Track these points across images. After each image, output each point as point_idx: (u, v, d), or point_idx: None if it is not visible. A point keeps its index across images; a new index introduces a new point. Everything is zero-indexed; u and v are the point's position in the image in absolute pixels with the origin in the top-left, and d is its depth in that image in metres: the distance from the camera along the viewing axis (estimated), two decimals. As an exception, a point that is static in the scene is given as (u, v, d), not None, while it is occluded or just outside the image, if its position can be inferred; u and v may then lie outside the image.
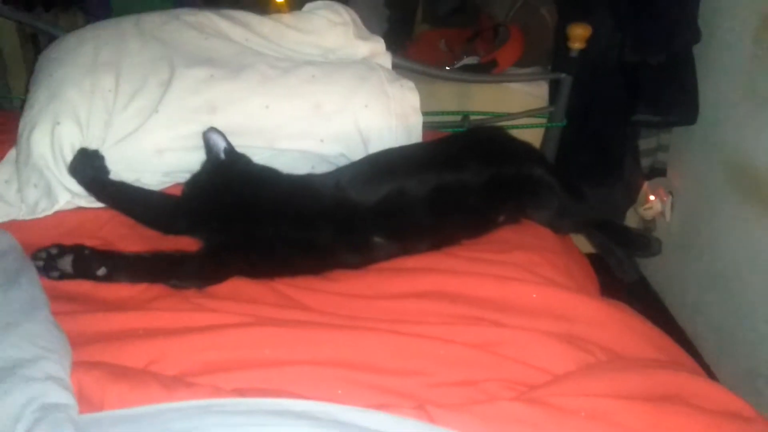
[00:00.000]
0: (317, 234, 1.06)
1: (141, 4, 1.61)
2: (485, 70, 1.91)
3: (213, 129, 1.17)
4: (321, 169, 1.27)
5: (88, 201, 1.17)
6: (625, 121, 1.74)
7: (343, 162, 1.29)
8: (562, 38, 1.60)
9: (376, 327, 0.90)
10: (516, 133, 1.37)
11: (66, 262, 0.96)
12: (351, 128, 1.29)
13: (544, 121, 1.73)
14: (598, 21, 1.58)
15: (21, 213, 1.16)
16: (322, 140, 1.28)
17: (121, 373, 0.76)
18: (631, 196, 1.92)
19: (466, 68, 1.95)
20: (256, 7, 1.52)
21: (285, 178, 1.16)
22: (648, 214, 1.93)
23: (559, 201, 1.22)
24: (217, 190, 1.12)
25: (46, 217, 1.15)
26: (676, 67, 1.67)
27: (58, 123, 1.18)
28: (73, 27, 1.60)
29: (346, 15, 1.44)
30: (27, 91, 1.32)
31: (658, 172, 1.89)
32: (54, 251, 0.97)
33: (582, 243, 1.34)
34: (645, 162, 1.88)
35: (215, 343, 0.85)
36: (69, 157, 1.17)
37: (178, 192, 1.19)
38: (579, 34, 1.54)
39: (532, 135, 1.62)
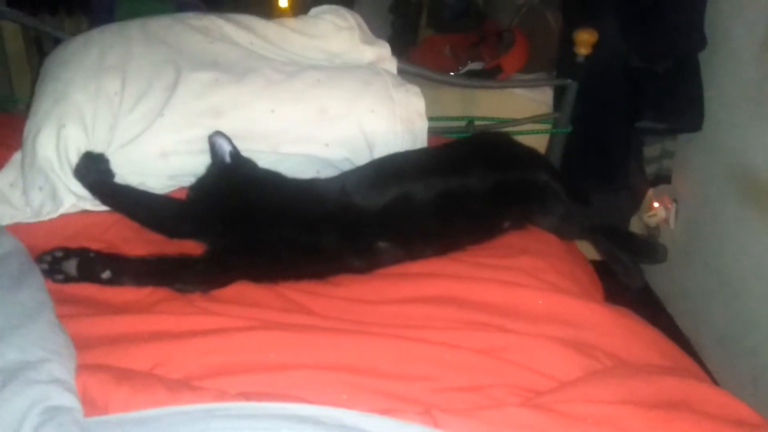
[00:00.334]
0: (322, 238, 1.06)
1: (144, 8, 1.61)
2: (490, 75, 1.91)
3: (218, 133, 1.17)
4: (326, 173, 1.27)
5: (93, 204, 1.17)
6: (630, 128, 1.74)
7: (348, 166, 1.28)
8: (567, 44, 1.60)
9: (381, 332, 0.90)
10: (521, 139, 1.37)
11: (71, 265, 0.96)
12: (356, 133, 1.29)
13: (548, 127, 1.73)
14: (603, 27, 1.58)
15: (26, 216, 1.16)
16: (327, 145, 1.28)
17: (125, 376, 0.75)
18: (636, 203, 1.92)
19: (471, 74, 1.95)
20: (261, 11, 1.53)
21: (290, 183, 1.16)
22: (652, 221, 1.92)
23: (565, 207, 1.22)
24: (222, 194, 1.12)
25: (51, 220, 1.15)
26: (681, 74, 1.67)
27: (64, 126, 1.18)
28: (77, 31, 1.60)
29: (351, 19, 1.45)
30: (32, 94, 1.33)
31: (662, 179, 1.88)
32: (59, 254, 0.97)
33: (586, 249, 1.33)
34: (650, 169, 1.88)
35: (220, 347, 0.85)
36: (74, 160, 1.17)
37: (182, 196, 1.19)
38: (585, 40, 1.54)
39: (536, 141, 1.62)
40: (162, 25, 1.36)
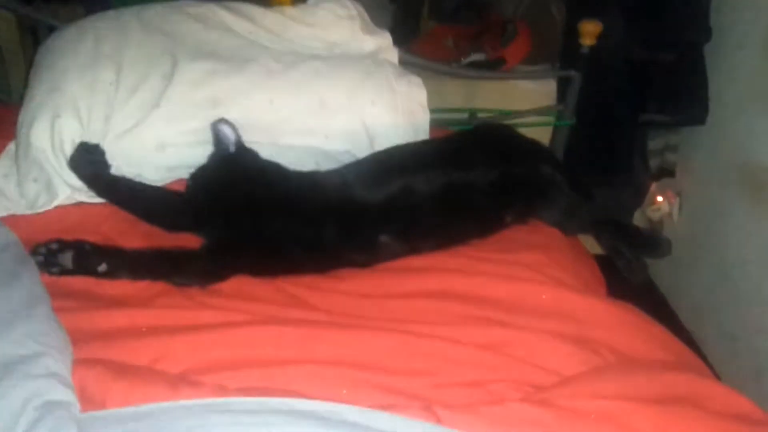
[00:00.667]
0: (323, 231, 1.04)
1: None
2: (493, 67, 1.89)
3: (224, 120, 1.15)
4: (326, 165, 1.25)
5: (88, 196, 1.15)
6: (633, 121, 1.73)
7: (348, 159, 1.27)
8: (571, 35, 1.58)
9: (383, 327, 0.90)
10: (524, 131, 1.35)
11: (66, 257, 0.95)
12: (357, 124, 1.28)
13: (552, 119, 1.72)
14: (608, 18, 1.57)
15: (20, 207, 1.15)
16: (327, 136, 1.27)
17: (123, 370, 0.75)
18: (639, 197, 1.91)
19: (474, 65, 1.93)
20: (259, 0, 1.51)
21: (291, 175, 1.14)
22: (655, 215, 1.92)
23: (568, 200, 1.21)
24: (224, 186, 1.10)
25: (46, 212, 1.14)
26: (686, 67, 1.66)
27: (58, 116, 1.17)
28: (72, 19, 1.58)
29: (352, 8, 1.43)
30: (26, 84, 1.31)
31: (666, 172, 1.88)
32: (54, 246, 0.95)
33: (590, 244, 1.32)
34: (653, 162, 1.87)
35: (219, 342, 0.84)
36: (69, 151, 1.15)
37: (180, 188, 1.18)
38: (590, 31, 1.52)
39: (539, 133, 1.60)
40: (158, 13, 1.34)
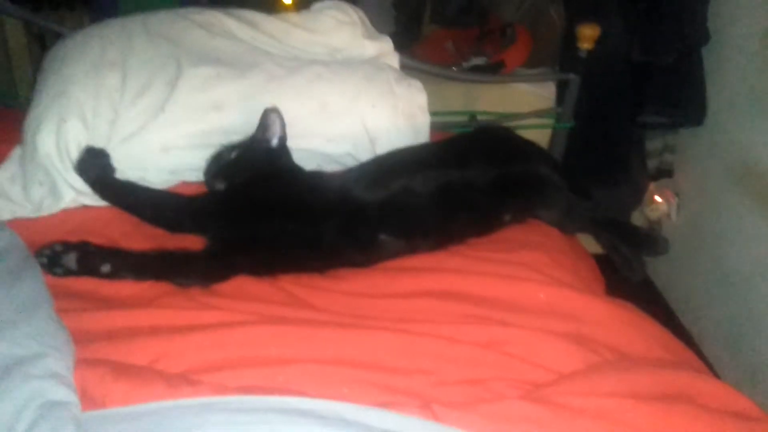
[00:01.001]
0: (323, 231, 1.05)
1: (147, 3, 1.61)
2: (493, 70, 1.90)
3: (277, 111, 1.16)
4: (327, 168, 1.27)
5: (93, 199, 1.17)
6: (632, 122, 1.74)
7: (350, 161, 1.28)
8: (570, 39, 1.59)
9: (382, 326, 0.90)
10: (523, 133, 1.36)
11: (70, 259, 0.96)
12: (358, 128, 1.29)
13: (551, 121, 1.72)
14: (606, 22, 1.58)
15: (26, 211, 1.16)
16: (329, 140, 1.28)
17: (124, 370, 0.75)
18: (638, 197, 1.91)
19: (474, 69, 1.94)
20: (264, 6, 1.52)
21: (298, 176, 1.15)
22: (654, 215, 1.92)
23: (566, 200, 1.21)
24: (254, 181, 1.11)
25: (51, 215, 1.15)
26: (684, 68, 1.66)
27: (64, 121, 1.18)
28: (79, 26, 1.60)
29: (353, 14, 1.44)
30: (33, 89, 1.33)
31: (664, 173, 1.88)
32: (58, 248, 0.97)
33: (588, 243, 1.33)
34: (651, 163, 1.88)
35: (220, 341, 0.85)
36: (74, 155, 1.17)
37: (183, 190, 1.19)
38: (588, 35, 1.53)
39: (539, 136, 1.61)
40: (163, 20, 1.36)
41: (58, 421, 0.65)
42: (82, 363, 0.76)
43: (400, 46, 1.51)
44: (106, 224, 1.12)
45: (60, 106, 1.20)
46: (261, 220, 1.07)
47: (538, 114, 1.72)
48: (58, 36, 1.54)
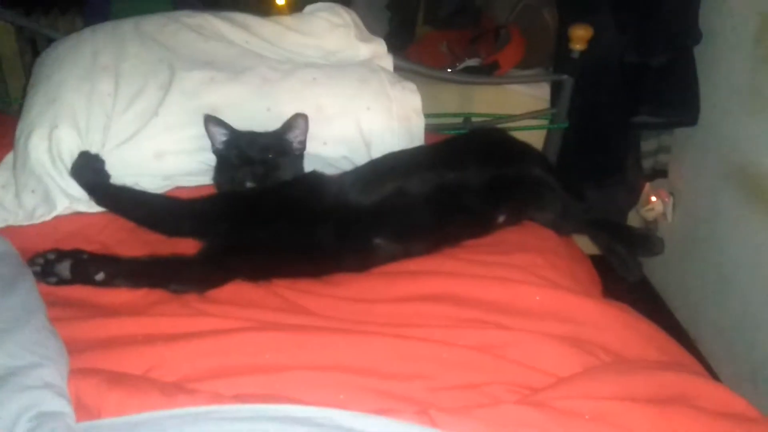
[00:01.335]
0: (318, 235, 1.05)
1: (141, 6, 1.60)
2: (487, 72, 1.90)
3: (304, 116, 1.18)
4: (323, 171, 1.26)
5: (87, 206, 1.16)
6: (626, 123, 1.74)
7: (345, 164, 1.28)
8: (563, 40, 1.59)
9: (378, 331, 0.90)
10: (518, 135, 1.36)
11: (64, 267, 0.96)
12: (353, 131, 1.29)
13: (546, 122, 1.73)
14: (599, 22, 1.58)
15: (18, 218, 1.15)
16: (324, 143, 1.28)
17: (119, 379, 0.75)
18: (633, 197, 1.92)
19: (468, 70, 1.94)
20: (257, 9, 1.52)
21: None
22: (649, 216, 1.93)
23: (560, 202, 1.21)
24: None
25: (44, 222, 1.14)
26: (677, 68, 1.67)
27: (56, 127, 1.17)
28: (71, 30, 1.59)
29: (347, 17, 1.44)
30: (25, 94, 1.32)
31: (659, 173, 1.89)
32: (52, 256, 0.96)
33: (584, 244, 1.33)
34: (646, 163, 1.88)
35: (216, 349, 0.84)
36: (67, 161, 1.16)
37: (177, 195, 1.18)
38: (580, 36, 1.53)
39: (534, 137, 1.61)
40: (156, 24, 1.35)
41: (52, 432, 0.64)
42: (77, 372, 0.76)
43: (394, 48, 1.51)
44: (100, 231, 1.12)
45: (52, 112, 1.19)
46: (260, 224, 1.06)
47: (532, 115, 1.73)
48: (50, 40, 1.53)
